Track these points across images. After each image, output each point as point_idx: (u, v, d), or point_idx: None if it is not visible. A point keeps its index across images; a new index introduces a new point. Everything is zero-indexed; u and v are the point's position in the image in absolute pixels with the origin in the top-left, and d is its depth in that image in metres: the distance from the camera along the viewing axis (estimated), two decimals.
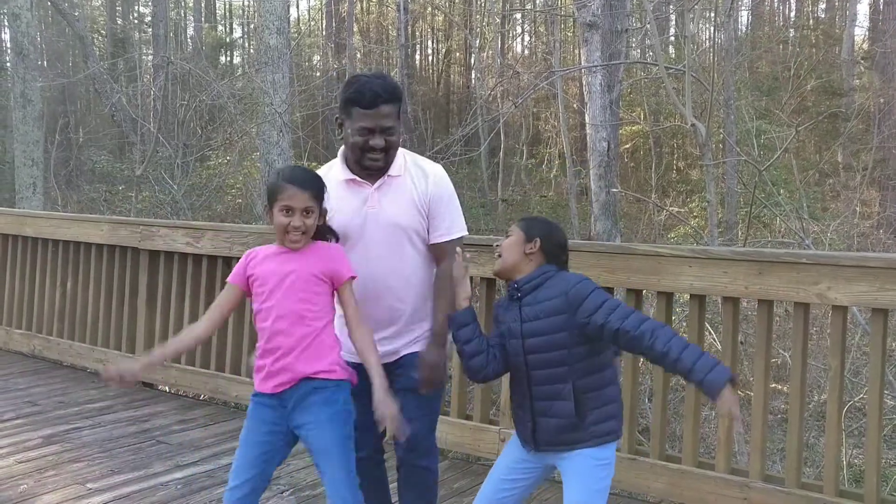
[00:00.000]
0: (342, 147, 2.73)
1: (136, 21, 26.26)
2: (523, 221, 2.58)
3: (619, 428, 2.48)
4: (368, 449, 2.76)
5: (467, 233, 2.82)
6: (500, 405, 4.01)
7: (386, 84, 2.60)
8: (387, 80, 2.64)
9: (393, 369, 2.69)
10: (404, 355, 2.72)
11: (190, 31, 26.81)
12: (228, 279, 2.58)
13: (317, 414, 2.43)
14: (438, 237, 2.72)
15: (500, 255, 2.52)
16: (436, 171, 2.75)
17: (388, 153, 2.62)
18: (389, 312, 2.68)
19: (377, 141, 2.58)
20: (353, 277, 2.50)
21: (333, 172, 2.71)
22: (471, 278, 3.89)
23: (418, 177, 2.70)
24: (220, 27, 29.49)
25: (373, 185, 2.65)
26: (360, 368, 2.56)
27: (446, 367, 2.70)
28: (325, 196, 2.52)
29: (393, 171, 2.66)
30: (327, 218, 2.58)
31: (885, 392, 3.19)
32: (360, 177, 2.66)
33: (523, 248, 2.49)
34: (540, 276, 2.44)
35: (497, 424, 3.92)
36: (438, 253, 2.73)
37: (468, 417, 4.02)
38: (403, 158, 2.72)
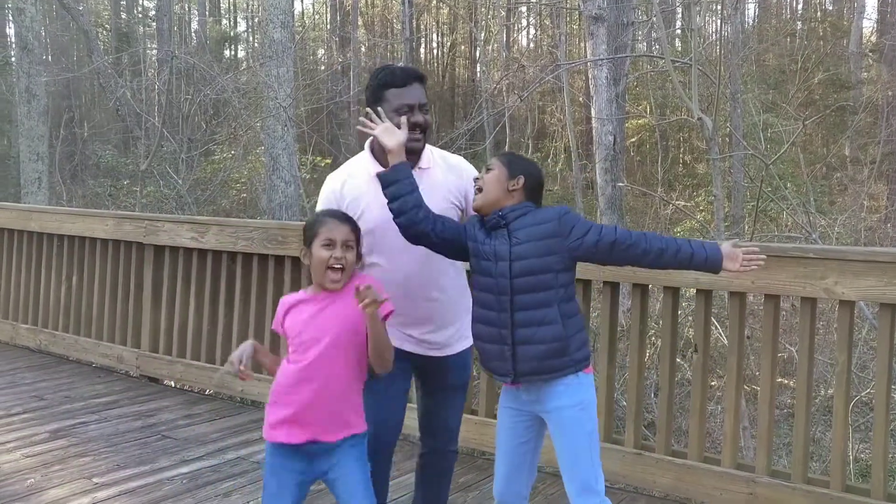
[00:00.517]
0: (369, 140, 2.72)
1: (140, 15, 26.25)
2: (505, 157, 2.53)
3: (590, 355, 2.50)
4: (386, 434, 2.75)
5: None
6: None
7: (413, 66, 2.68)
8: (410, 66, 2.68)
9: (443, 364, 2.76)
10: (452, 355, 2.77)
11: (194, 25, 26.81)
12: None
13: (342, 456, 2.42)
14: None
15: (480, 189, 2.47)
16: (462, 163, 2.81)
17: (426, 132, 2.66)
18: (427, 304, 2.70)
19: (418, 117, 2.60)
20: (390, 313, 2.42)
21: (363, 166, 2.69)
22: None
23: (448, 170, 2.74)
24: (224, 21, 29.47)
25: None
26: (424, 362, 2.69)
27: None
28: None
29: (423, 163, 2.68)
30: (359, 216, 2.57)
31: (893, 387, 3.18)
32: None
33: (506, 184, 2.45)
34: (524, 208, 2.43)
35: None
36: None
37: (473, 412, 4.01)
38: (430, 152, 2.74)
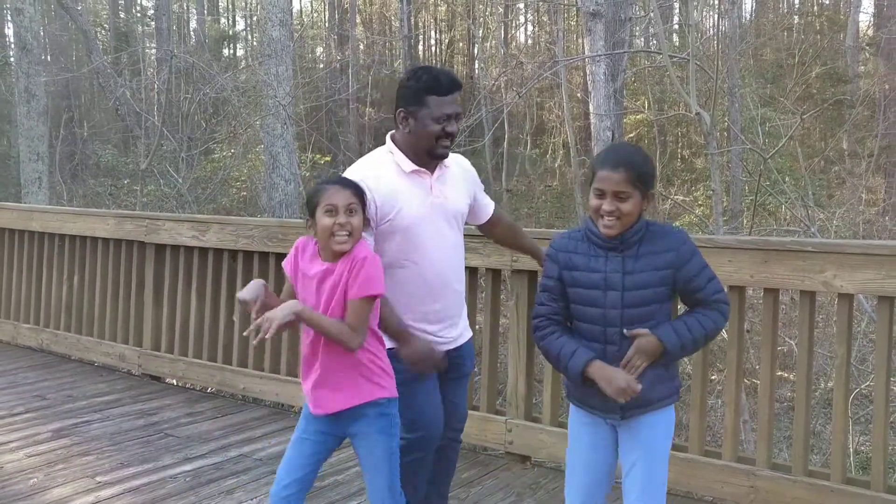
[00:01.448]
0: (390, 135, 2.75)
1: (139, 14, 26.22)
2: (631, 172, 2.23)
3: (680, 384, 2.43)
4: (431, 429, 2.78)
5: None
6: (506, 395, 4.02)
7: (452, 73, 2.75)
8: (449, 70, 2.81)
9: (455, 356, 2.82)
10: (464, 344, 2.86)
11: (193, 24, 26.79)
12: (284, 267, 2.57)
13: (368, 426, 2.47)
14: (490, 211, 3.00)
15: (618, 218, 2.23)
16: (463, 160, 2.92)
17: (453, 140, 2.72)
18: (456, 297, 2.81)
19: (453, 127, 2.66)
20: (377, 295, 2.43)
21: (391, 162, 2.69)
22: (474, 269, 3.91)
23: (460, 169, 2.86)
24: (223, 20, 29.45)
25: (432, 174, 2.72)
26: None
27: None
28: (368, 202, 2.53)
29: (446, 161, 2.77)
30: (397, 212, 2.61)
31: (892, 379, 3.19)
32: (421, 167, 2.70)
33: (642, 206, 2.27)
34: (643, 230, 2.27)
35: (503, 414, 3.94)
36: (496, 222, 3.03)
37: (474, 408, 4.03)
38: None
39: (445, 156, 2.71)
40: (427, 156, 2.68)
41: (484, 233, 3.11)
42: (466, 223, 2.91)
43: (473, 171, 2.94)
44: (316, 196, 2.43)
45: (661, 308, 2.27)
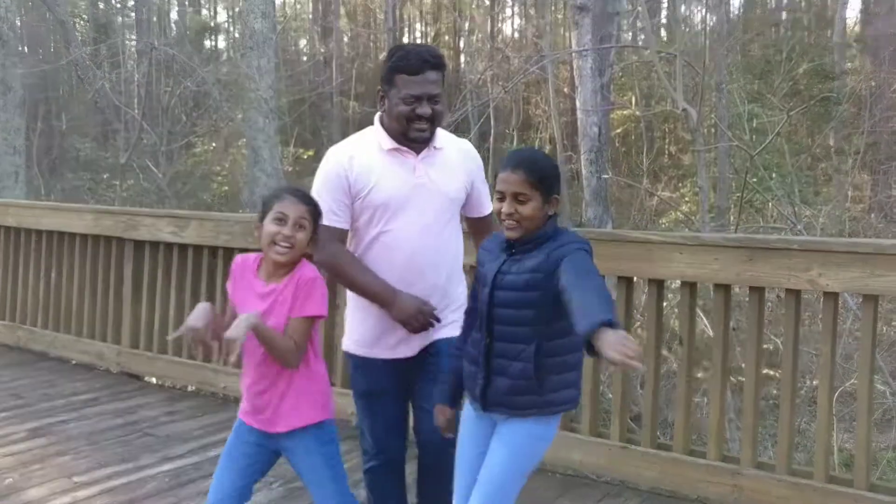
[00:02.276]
0: (378, 115, 2.67)
1: (118, 5, 25.94)
2: (532, 175, 2.19)
3: (577, 397, 2.32)
4: (391, 452, 2.74)
5: None
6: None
7: (430, 49, 2.60)
8: (431, 47, 2.63)
9: (425, 356, 2.67)
10: (437, 340, 2.67)
11: (174, 16, 26.57)
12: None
13: (302, 440, 2.43)
14: (485, 210, 2.80)
15: (517, 221, 2.19)
16: (471, 149, 2.79)
17: (434, 123, 2.58)
18: (432, 288, 2.64)
19: (424, 109, 2.53)
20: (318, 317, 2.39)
21: (372, 141, 2.63)
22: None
23: (461, 153, 2.72)
24: (204, 11, 29.19)
25: (417, 155, 2.61)
26: (388, 365, 2.64)
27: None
28: (338, 190, 2.53)
29: (437, 142, 2.64)
30: (370, 189, 2.55)
31: (876, 377, 3.19)
32: (405, 146, 2.60)
33: (545, 210, 2.22)
34: (544, 237, 2.21)
35: None
36: (484, 226, 2.81)
37: None
38: (440, 132, 2.70)
39: (422, 140, 2.58)
40: (403, 138, 2.58)
41: (471, 230, 2.88)
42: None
43: (478, 159, 2.79)
44: (271, 201, 2.37)
45: (538, 314, 2.17)
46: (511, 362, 2.22)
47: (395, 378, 2.69)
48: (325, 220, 2.53)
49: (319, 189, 2.61)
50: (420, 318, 2.56)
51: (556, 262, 2.12)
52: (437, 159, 2.63)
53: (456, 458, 2.39)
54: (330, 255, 2.56)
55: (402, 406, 2.75)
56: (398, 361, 2.67)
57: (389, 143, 2.59)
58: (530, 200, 2.17)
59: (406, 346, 2.67)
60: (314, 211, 2.39)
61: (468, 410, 2.40)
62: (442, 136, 2.68)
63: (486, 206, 2.79)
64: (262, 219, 2.38)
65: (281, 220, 2.32)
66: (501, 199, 2.20)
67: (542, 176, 2.20)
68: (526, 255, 2.20)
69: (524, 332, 2.20)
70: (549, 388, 2.22)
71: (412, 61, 2.51)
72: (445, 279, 2.68)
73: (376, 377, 2.69)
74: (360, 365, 2.73)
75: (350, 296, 2.74)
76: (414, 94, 2.51)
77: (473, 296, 2.38)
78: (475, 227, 2.86)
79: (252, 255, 2.44)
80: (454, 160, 2.68)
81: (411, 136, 2.56)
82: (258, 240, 2.39)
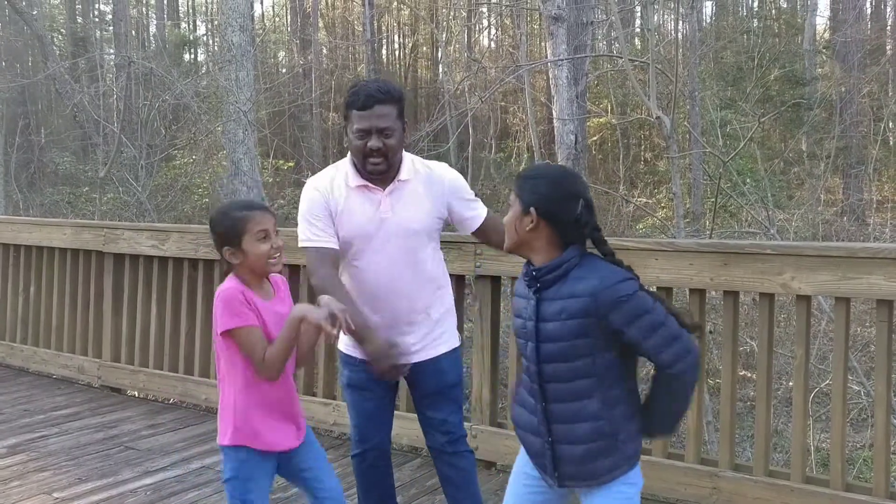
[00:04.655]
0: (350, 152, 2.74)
1: (96, 19, 25.82)
2: (517, 181, 2.01)
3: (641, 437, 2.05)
4: (373, 442, 2.83)
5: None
6: (470, 401, 4.01)
7: (381, 85, 2.62)
8: (383, 82, 2.67)
9: (426, 369, 2.75)
10: (439, 356, 2.77)
11: (152, 29, 26.45)
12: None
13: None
14: (476, 222, 2.80)
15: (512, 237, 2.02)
16: (444, 172, 2.77)
17: (388, 157, 2.61)
18: (408, 314, 2.71)
19: (374, 142, 2.57)
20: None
21: (342, 177, 2.69)
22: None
23: (428, 179, 2.72)
24: (183, 24, 29.11)
25: (384, 190, 2.66)
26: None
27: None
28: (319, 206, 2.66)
29: (402, 174, 2.67)
30: (339, 224, 2.65)
31: (850, 378, 3.25)
32: (371, 182, 2.66)
33: (522, 222, 1.95)
34: (562, 267, 1.92)
35: (468, 420, 3.92)
36: (489, 231, 2.80)
37: None
38: (412, 162, 2.73)
39: (378, 173, 2.62)
40: (365, 171, 2.65)
41: (480, 238, 2.91)
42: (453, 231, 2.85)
43: (453, 182, 2.76)
44: (239, 224, 2.34)
45: (594, 363, 1.91)
46: (574, 425, 1.95)
47: (378, 380, 2.75)
48: (315, 243, 2.63)
49: (305, 214, 2.69)
50: (385, 362, 2.56)
51: (609, 306, 1.87)
52: (403, 192, 2.67)
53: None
54: (321, 280, 2.61)
55: (386, 403, 2.84)
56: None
57: (357, 180, 2.66)
58: (511, 207, 2.00)
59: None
60: (274, 215, 2.47)
61: (526, 467, 2.13)
62: (408, 167, 2.70)
63: (477, 217, 2.81)
64: (225, 244, 2.36)
65: (265, 236, 2.35)
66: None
67: (532, 192, 1.97)
68: (555, 288, 1.94)
69: (583, 387, 1.93)
70: (626, 438, 1.96)
71: (360, 97, 2.58)
72: (420, 302, 2.73)
73: (357, 374, 2.78)
74: (345, 360, 2.84)
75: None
76: (362, 128, 2.58)
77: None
78: (482, 237, 2.88)
79: (238, 285, 2.37)
80: (420, 191, 2.69)
81: (368, 169, 2.62)
82: (236, 265, 2.36)
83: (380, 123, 2.57)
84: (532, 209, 1.93)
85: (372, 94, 2.57)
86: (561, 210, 1.92)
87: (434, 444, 2.83)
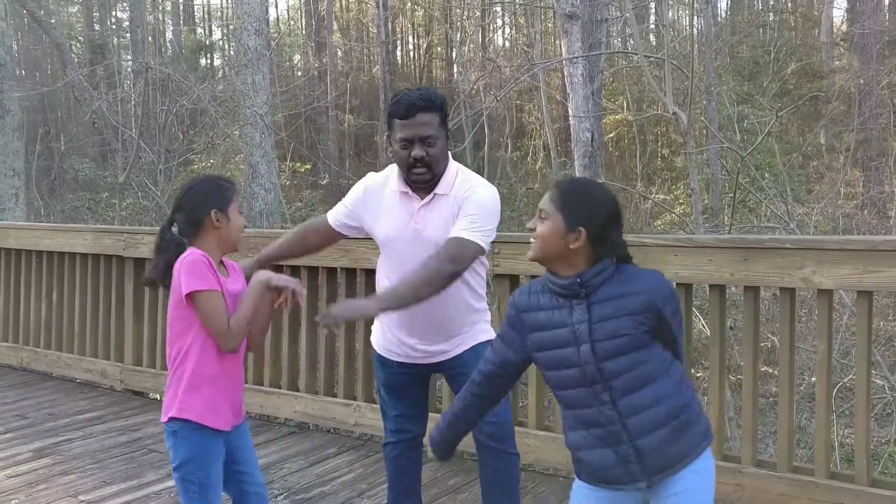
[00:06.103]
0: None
1: (113, 27, 26.05)
2: (559, 195, 2.00)
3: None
4: (404, 434, 2.90)
5: (484, 247, 2.60)
6: None
7: (423, 93, 2.62)
8: (425, 90, 2.67)
9: (450, 368, 2.79)
10: (460, 353, 2.77)
11: (169, 35, 26.65)
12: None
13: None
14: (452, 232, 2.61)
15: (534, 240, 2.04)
16: (467, 190, 2.63)
17: (432, 166, 2.59)
18: (426, 324, 2.72)
19: (417, 152, 2.57)
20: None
21: (395, 179, 2.72)
22: None
23: (453, 198, 2.64)
24: (199, 30, 29.32)
25: (422, 199, 2.66)
26: (401, 366, 2.78)
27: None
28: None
29: (440, 188, 2.64)
30: (375, 223, 2.74)
31: (874, 372, 3.22)
32: (412, 190, 2.67)
33: (566, 240, 1.98)
34: (608, 270, 1.99)
35: None
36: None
37: None
38: (455, 175, 2.68)
39: (422, 182, 2.61)
40: (410, 181, 2.66)
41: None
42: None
43: (466, 200, 2.61)
44: (228, 192, 2.42)
45: (650, 351, 1.99)
46: (650, 410, 1.98)
47: (407, 379, 2.84)
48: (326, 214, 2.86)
49: (349, 192, 2.86)
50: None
51: (664, 300, 1.99)
52: (437, 206, 2.65)
53: None
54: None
55: (422, 401, 2.92)
56: (407, 365, 2.82)
57: (401, 185, 2.69)
58: (547, 220, 2.00)
59: (414, 352, 2.80)
60: None
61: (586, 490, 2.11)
62: (447, 181, 2.64)
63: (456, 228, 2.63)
64: (215, 206, 2.37)
65: (241, 212, 2.46)
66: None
67: (569, 202, 2.00)
68: (602, 290, 1.99)
69: (647, 372, 1.98)
70: (699, 410, 2.05)
71: (402, 106, 2.58)
72: (441, 312, 2.68)
73: (393, 376, 2.86)
74: (380, 362, 2.91)
75: None
76: (405, 137, 2.58)
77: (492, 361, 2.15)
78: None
79: (203, 253, 2.33)
80: (447, 211, 2.63)
81: (412, 179, 2.63)
82: (223, 233, 2.38)
83: (422, 132, 2.56)
84: (581, 229, 1.97)
85: (413, 102, 2.56)
86: (609, 234, 2.01)
87: (478, 435, 2.78)
